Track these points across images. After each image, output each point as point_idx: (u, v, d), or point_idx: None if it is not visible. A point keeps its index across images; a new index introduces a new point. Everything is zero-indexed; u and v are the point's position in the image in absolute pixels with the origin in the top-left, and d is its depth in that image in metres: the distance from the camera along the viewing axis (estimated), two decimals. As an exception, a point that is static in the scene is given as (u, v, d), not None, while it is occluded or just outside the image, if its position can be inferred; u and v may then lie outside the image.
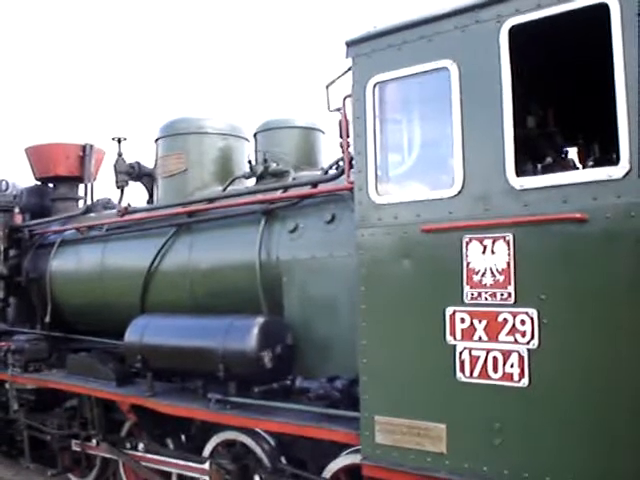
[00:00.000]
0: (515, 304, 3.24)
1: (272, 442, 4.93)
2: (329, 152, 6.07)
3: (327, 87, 4.42)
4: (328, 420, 4.25)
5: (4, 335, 7.64)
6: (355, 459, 4.13)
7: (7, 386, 7.25)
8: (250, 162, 5.83)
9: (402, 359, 3.64)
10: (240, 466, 5.04)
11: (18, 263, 7.80)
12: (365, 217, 3.82)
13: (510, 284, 3.26)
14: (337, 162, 4.93)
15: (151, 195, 6.90)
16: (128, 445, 6.15)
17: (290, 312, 4.93)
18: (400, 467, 3.64)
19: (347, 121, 4.20)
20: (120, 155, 6.80)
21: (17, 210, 8.25)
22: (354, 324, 4.00)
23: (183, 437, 5.90)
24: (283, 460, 4.88)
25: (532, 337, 3.19)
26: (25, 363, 7.05)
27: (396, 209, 3.69)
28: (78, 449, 6.75)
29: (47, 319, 7.26)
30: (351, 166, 4.20)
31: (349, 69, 4.00)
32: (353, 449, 4.21)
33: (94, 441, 6.48)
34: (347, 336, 4.34)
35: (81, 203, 8.08)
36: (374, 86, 3.82)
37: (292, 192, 5.19)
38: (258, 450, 4.95)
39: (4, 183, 8.21)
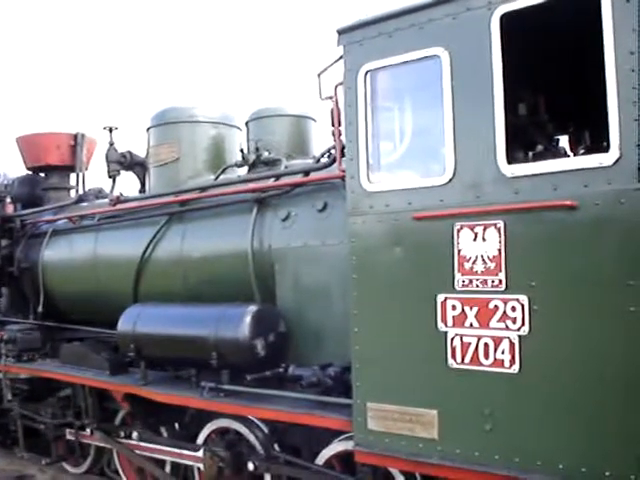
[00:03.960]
0: (506, 291, 3.26)
1: (265, 429, 4.96)
2: (321, 140, 6.08)
3: (319, 75, 4.41)
4: (321, 407, 4.27)
5: (-3, 325, 7.62)
6: (348, 446, 4.17)
7: (0, 376, 7.25)
8: (242, 151, 5.82)
9: (394, 346, 3.66)
10: (234, 453, 5.06)
11: (10, 253, 7.78)
12: (357, 205, 3.82)
13: (501, 271, 3.28)
14: (329, 150, 4.93)
15: (143, 184, 6.89)
16: (122, 434, 6.17)
17: (283, 300, 4.94)
18: (392, 453, 3.66)
19: (339, 109, 4.19)
20: (112, 144, 6.79)
21: (8, 200, 8.24)
22: (346, 312, 4.02)
23: (177, 425, 5.92)
24: (276, 447, 4.90)
25: (523, 324, 3.21)
26: (18, 353, 7.04)
27: (388, 197, 3.70)
28: (72, 438, 6.77)
29: (40, 309, 7.26)
30: (343, 154, 4.20)
31: (340, 57, 3.99)
32: (346, 436, 4.24)
33: (88, 430, 6.50)
34: (339, 324, 4.36)
35: (73, 193, 8.05)
36: (365, 74, 3.81)
37: (284, 180, 5.19)
38: (251, 437, 4.99)
39: (-5, 173, 8.18)
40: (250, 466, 4.98)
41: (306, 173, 5.05)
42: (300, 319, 4.82)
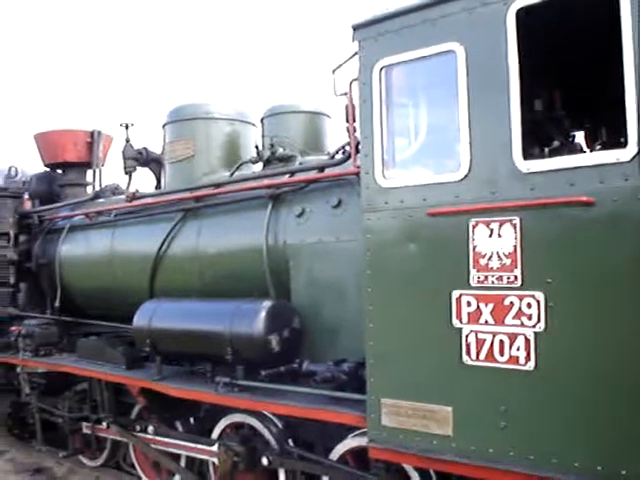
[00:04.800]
0: (522, 287, 3.24)
1: (279, 424, 4.98)
2: (335, 137, 6.08)
3: (333, 71, 4.41)
4: (335, 403, 4.28)
5: (15, 320, 7.71)
6: (362, 441, 4.17)
7: (19, 370, 7.34)
8: (257, 147, 5.84)
9: (408, 342, 3.66)
10: (248, 448, 5.08)
11: (28, 249, 7.87)
12: (372, 201, 3.82)
13: (517, 267, 3.26)
14: (343, 147, 4.93)
15: (159, 180, 6.93)
16: (138, 428, 6.22)
17: (297, 296, 4.95)
18: (406, 449, 3.66)
19: (353, 105, 4.19)
20: (128, 141, 6.83)
21: (26, 196, 8.31)
22: (361, 308, 4.02)
23: (192, 420, 5.96)
24: (290, 442, 4.92)
25: (538, 320, 3.20)
26: (36, 347, 7.11)
27: (402, 193, 3.69)
28: (89, 432, 6.84)
29: (57, 304, 7.33)
30: (357, 150, 4.20)
31: (355, 53, 3.99)
32: (360, 432, 4.24)
33: (104, 424, 6.55)
34: (354, 319, 4.36)
35: (89, 189, 8.12)
36: (380, 70, 3.80)
37: (299, 177, 5.20)
38: (266, 432, 5.01)
39: (13, 170, 8.26)
40: (264, 461, 5.00)
41: (321, 169, 5.06)
42: (314, 315, 4.82)
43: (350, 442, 4.43)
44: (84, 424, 6.86)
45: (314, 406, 4.35)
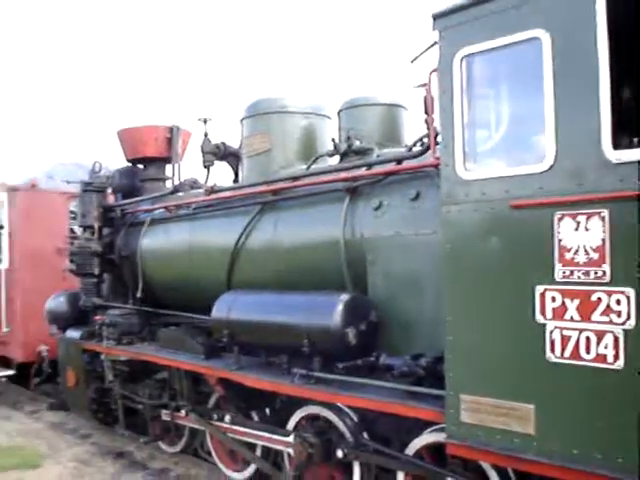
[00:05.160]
0: (610, 283, 3.11)
1: (355, 418, 4.97)
2: (412, 129, 6.01)
3: (412, 62, 4.35)
4: (412, 397, 4.24)
5: (99, 309, 7.99)
6: (439, 437, 4.11)
7: (102, 357, 7.62)
8: (333, 140, 5.83)
9: (489, 337, 3.57)
10: (323, 440, 5.10)
11: (111, 241, 8.12)
12: (451, 193, 3.75)
13: (605, 262, 3.13)
14: (421, 139, 4.86)
15: (236, 174, 7.03)
16: (215, 416, 6.35)
17: (374, 289, 4.93)
18: (486, 447, 3.58)
19: (432, 96, 4.12)
20: (206, 135, 6.96)
21: (109, 190, 8.59)
22: (439, 301, 3.96)
23: (268, 410, 6.03)
24: (365, 436, 4.91)
25: (628, 317, 3.06)
26: (119, 336, 7.37)
27: (484, 185, 3.60)
28: (168, 419, 7.03)
29: (138, 294, 7.55)
30: (436, 142, 4.13)
31: (435, 43, 3.92)
32: (437, 427, 4.19)
33: (183, 411, 6.72)
34: (432, 313, 4.31)
35: (169, 183, 8.31)
36: (461, 59, 3.72)
37: (376, 169, 5.17)
38: (341, 425, 5.01)
39: (97, 165, 8.53)
40: (339, 453, 5.01)
41: (398, 162, 5.01)
42: (392, 308, 4.78)
43: (427, 437, 4.37)
44: (163, 411, 7.05)
45: (391, 400, 4.32)
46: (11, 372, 10.81)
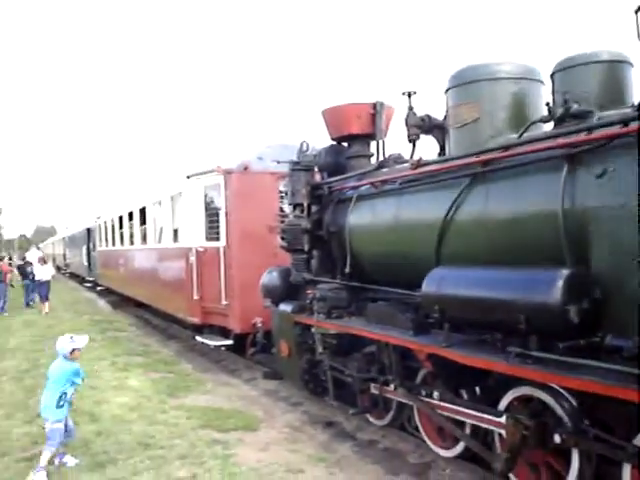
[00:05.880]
0: None
1: (573, 402, 4.65)
2: (639, 87, 5.39)
3: (636, 12, 3.88)
4: (643, 383, 3.84)
5: (309, 284, 8.32)
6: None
7: (313, 330, 7.93)
8: (548, 104, 5.42)
9: None
10: (539, 423, 4.86)
11: (319, 218, 8.38)
12: (697, 155, 3.29)
13: None
14: (654, 96, 4.34)
15: (442, 147, 6.86)
16: (423, 392, 6.33)
17: (598, 264, 4.51)
18: None
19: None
20: (411, 109, 6.88)
21: (316, 169, 8.87)
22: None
23: (477, 389, 5.88)
24: (586, 422, 4.58)
25: None
26: (328, 310, 7.60)
27: None
28: (376, 392, 7.14)
29: (347, 270, 7.71)
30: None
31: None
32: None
33: (392, 386, 6.79)
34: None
35: (373, 159, 8.35)
36: None
37: (598, 133, 4.71)
38: (558, 408, 4.74)
39: (305, 144, 8.83)
40: (556, 438, 4.74)
41: (624, 124, 4.51)
42: (619, 285, 4.34)
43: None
44: (372, 385, 7.18)
45: (620, 384, 3.95)
46: (230, 342, 11.71)
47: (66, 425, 6.49)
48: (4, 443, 7.25)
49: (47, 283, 21.97)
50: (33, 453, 6.78)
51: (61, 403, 6.36)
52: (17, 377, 10.88)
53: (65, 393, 6.40)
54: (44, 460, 6.15)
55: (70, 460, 6.50)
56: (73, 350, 6.49)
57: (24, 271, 24.29)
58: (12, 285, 24.82)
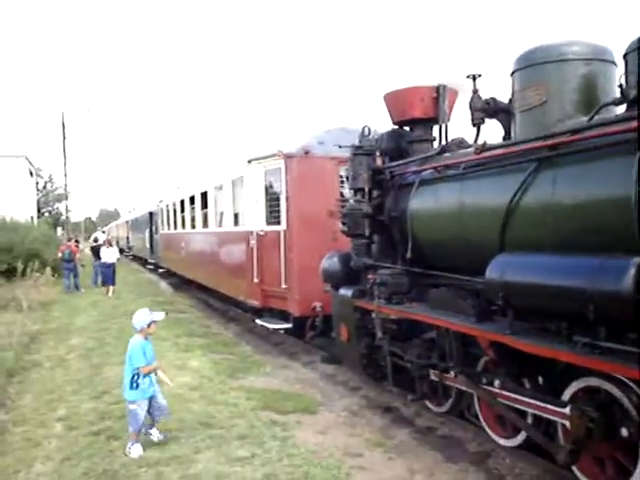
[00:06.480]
0: None
1: (642, 395, 4.52)
2: None
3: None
4: None
5: (369, 269, 8.29)
6: None
7: (373, 315, 7.91)
8: (621, 86, 5.22)
9: None
10: (605, 416, 4.74)
11: (381, 203, 8.29)
12: None
13: None
14: None
15: (507, 132, 6.70)
16: (484, 380, 6.25)
17: (676, 252, 4.34)
18: None
19: None
20: (475, 92, 6.73)
21: (378, 153, 8.78)
22: None
23: (540, 379, 5.76)
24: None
25: None
26: (389, 295, 7.57)
27: None
28: (436, 379, 7.10)
29: (408, 255, 7.62)
30: None
31: None
32: None
33: (452, 373, 6.72)
34: None
35: (435, 144, 8.23)
36: None
37: (675, 116, 4.51)
38: (625, 401, 4.60)
39: (367, 129, 8.76)
40: (624, 432, 4.61)
41: (703, 106, 4.31)
42: (693, 275, 4.18)
43: None
44: (431, 371, 7.13)
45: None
46: (289, 325, 11.81)
47: (152, 403, 6.48)
48: (73, 417, 7.55)
49: (112, 265, 22.57)
50: (100, 428, 7.03)
51: (134, 384, 6.37)
52: (84, 355, 11.29)
53: (138, 374, 6.37)
54: (132, 436, 6.34)
55: (155, 434, 6.62)
56: (149, 324, 6.50)
57: (97, 252, 24.86)
58: (83, 265, 25.54)
